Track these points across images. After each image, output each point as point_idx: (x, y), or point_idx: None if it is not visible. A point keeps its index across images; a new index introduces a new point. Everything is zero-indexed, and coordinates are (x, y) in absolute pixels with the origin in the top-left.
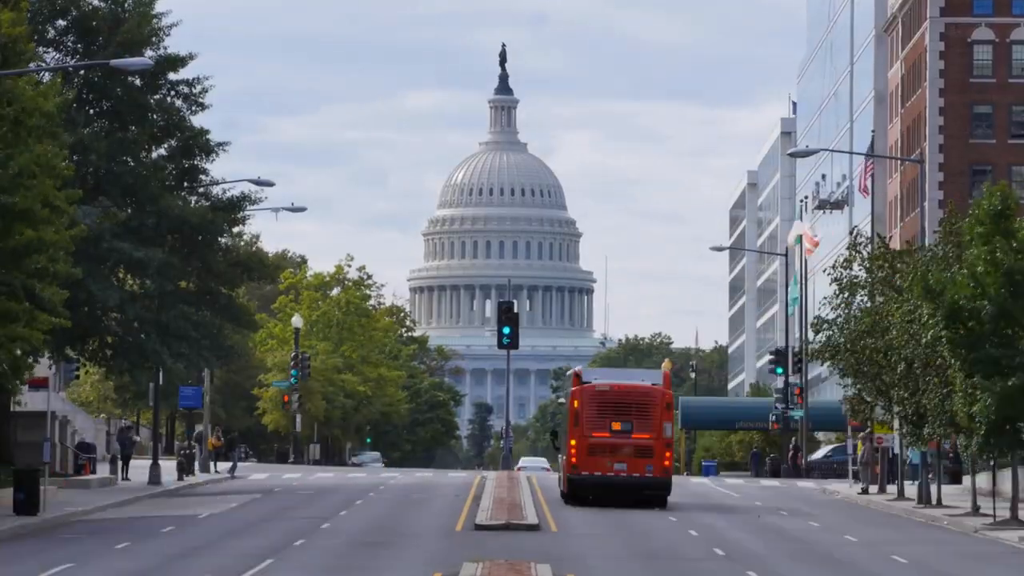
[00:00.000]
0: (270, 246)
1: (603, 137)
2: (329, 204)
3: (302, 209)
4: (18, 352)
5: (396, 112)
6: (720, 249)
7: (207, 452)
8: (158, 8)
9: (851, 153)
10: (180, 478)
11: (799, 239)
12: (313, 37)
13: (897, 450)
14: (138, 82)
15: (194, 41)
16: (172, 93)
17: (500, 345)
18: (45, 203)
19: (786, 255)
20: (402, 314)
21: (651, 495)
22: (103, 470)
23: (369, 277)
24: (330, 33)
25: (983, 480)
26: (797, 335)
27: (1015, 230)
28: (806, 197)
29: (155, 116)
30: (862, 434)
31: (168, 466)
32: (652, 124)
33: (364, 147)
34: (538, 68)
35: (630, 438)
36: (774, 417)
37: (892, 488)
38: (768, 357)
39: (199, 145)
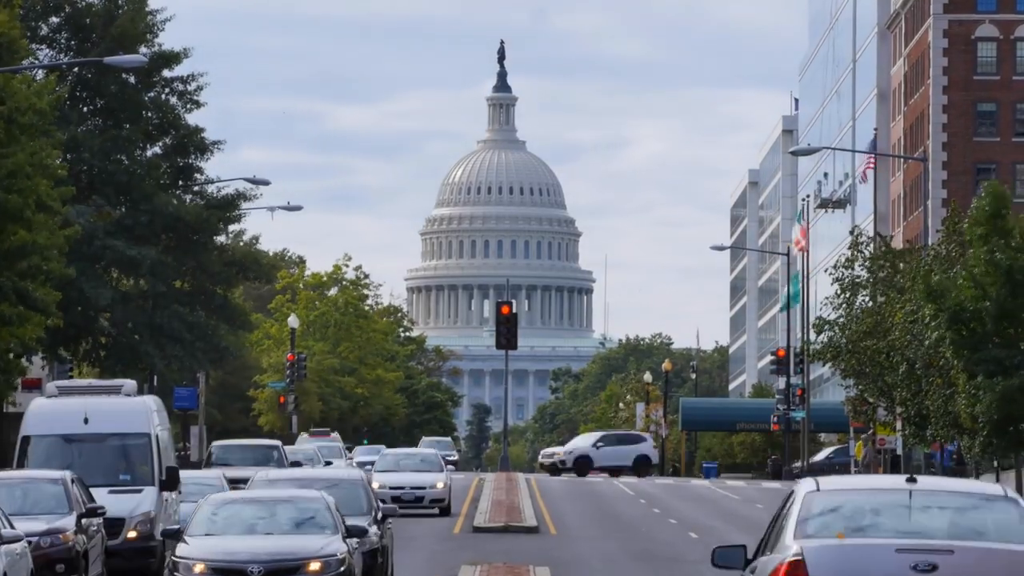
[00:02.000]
0: (318, 240)
1: (602, 136)
2: (390, 196)
3: (298, 208)
4: (11, 356)
5: (462, 101)
6: (721, 248)
7: None
8: (152, 5)
9: (853, 151)
10: None
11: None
12: (367, 19)
13: (900, 451)
14: (132, 79)
15: (246, 29)
16: (167, 91)
17: (498, 345)
18: (39, 203)
19: (787, 254)
20: (399, 314)
21: None
22: None
23: (366, 277)
24: (395, 15)
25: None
26: (799, 336)
27: (1011, 228)
28: (808, 196)
29: (149, 114)
30: (863, 436)
31: None
32: (653, 121)
33: (425, 138)
34: (537, 62)
35: None
36: (775, 419)
37: None
38: (769, 358)
39: (194, 143)
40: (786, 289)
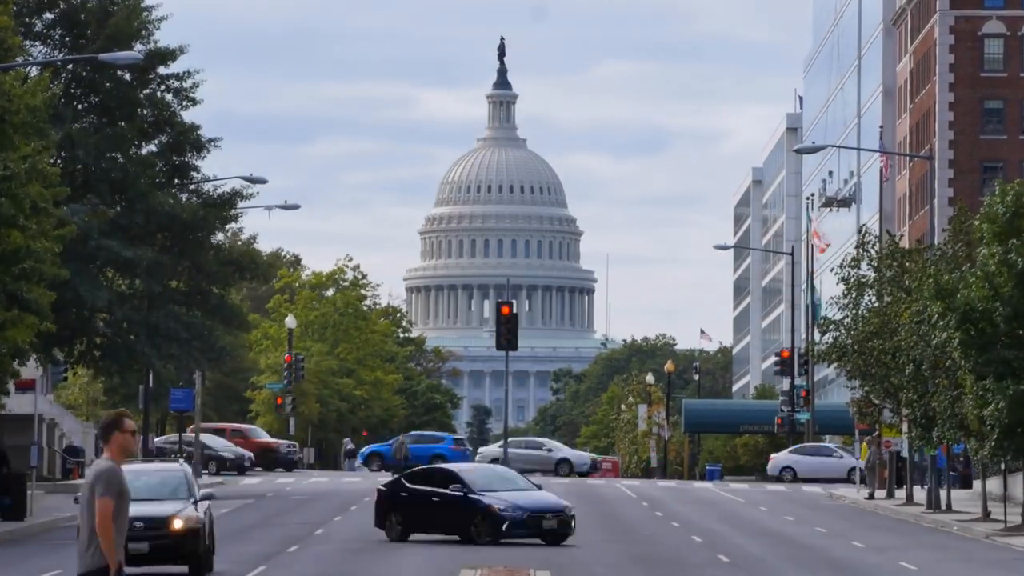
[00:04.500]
0: (372, 230)
1: (601, 134)
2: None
3: (295, 207)
4: (4, 350)
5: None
6: (724, 248)
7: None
8: (148, 1)
9: (859, 149)
10: None
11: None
12: None
13: (906, 453)
14: (127, 76)
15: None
16: (162, 88)
17: (499, 346)
18: (32, 206)
19: (791, 254)
20: (398, 314)
21: None
22: None
23: (364, 277)
24: None
25: (994, 484)
26: (803, 336)
27: None
28: (812, 194)
29: (145, 111)
30: (868, 438)
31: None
32: (652, 117)
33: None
34: (535, 59)
35: None
36: (780, 420)
37: (900, 492)
38: (773, 358)
39: (190, 141)
40: (792, 290)
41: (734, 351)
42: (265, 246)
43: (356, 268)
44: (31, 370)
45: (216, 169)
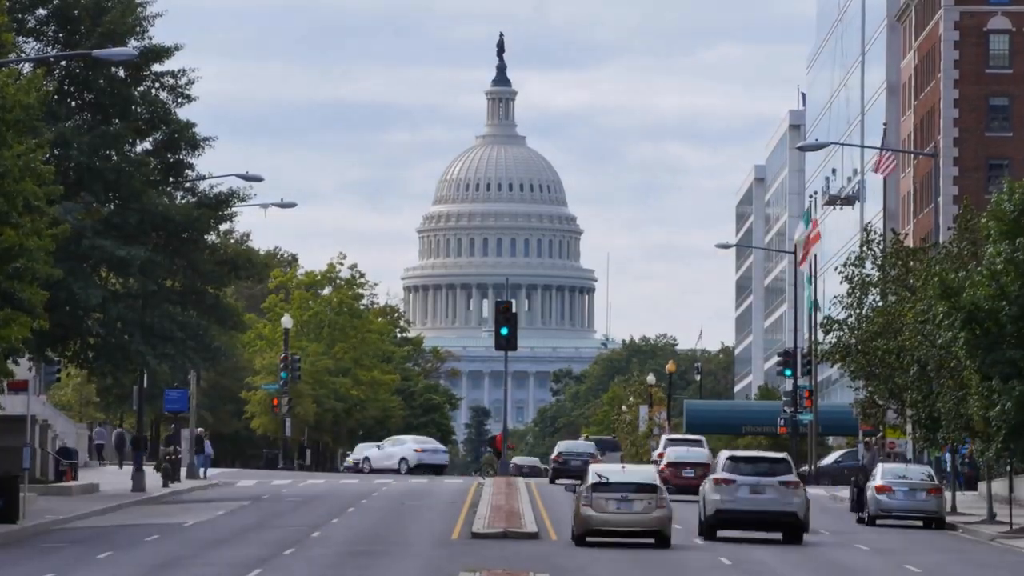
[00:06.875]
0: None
1: (600, 130)
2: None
3: (292, 205)
4: None
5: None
6: (726, 246)
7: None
8: None
9: (862, 147)
10: (165, 484)
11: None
12: None
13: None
14: (122, 73)
15: None
16: (157, 85)
17: (497, 346)
18: (26, 204)
19: (794, 253)
20: (396, 314)
21: None
22: (85, 476)
23: (362, 276)
24: None
25: (999, 486)
26: (807, 335)
27: None
28: (815, 192)
29: (139, 109)
30: (873, 439)
31: (153, 472)
32: (652, 115)
33: None
34: (535, 52)
35: None
36: (782, 421)
37: None
38: (776, 359)
39: (184, 139)
40: (797, 289)
41: (736, 351)
42: (273, 244)
43: (354, 267)
44: (24, 371)
45: (218, 166)
